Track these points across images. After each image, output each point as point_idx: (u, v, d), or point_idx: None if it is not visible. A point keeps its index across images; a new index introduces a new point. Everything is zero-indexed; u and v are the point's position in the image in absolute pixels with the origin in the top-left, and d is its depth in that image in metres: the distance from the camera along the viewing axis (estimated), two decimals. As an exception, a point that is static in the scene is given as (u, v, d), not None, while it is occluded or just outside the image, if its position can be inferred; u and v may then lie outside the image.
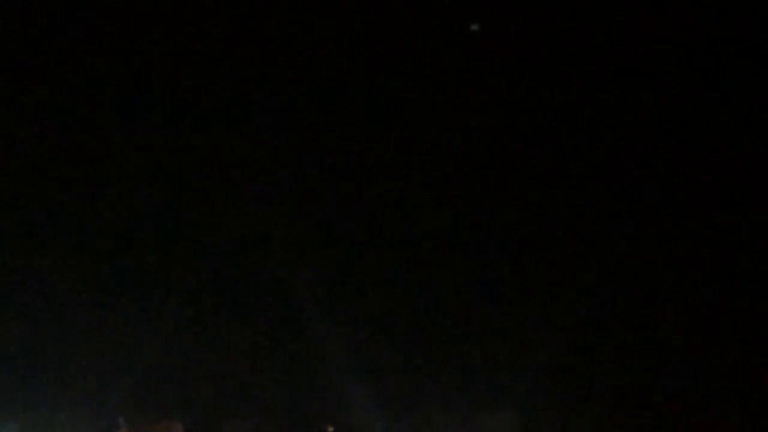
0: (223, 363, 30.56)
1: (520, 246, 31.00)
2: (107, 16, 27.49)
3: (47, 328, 29.22)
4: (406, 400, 31.01)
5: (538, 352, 30.49)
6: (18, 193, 29.30)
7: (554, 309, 30.61)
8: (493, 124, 30.00)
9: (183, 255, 30.41)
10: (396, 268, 30.95)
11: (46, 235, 29.40)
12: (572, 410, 30.22)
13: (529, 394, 30.56)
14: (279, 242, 30.57)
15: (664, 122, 29.87)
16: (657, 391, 29.90)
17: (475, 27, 30.06)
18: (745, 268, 29.58)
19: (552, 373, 30.36)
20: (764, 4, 27.70)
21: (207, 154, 29.12)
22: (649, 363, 30.07)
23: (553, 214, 30.34)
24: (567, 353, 30.32)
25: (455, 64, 29.57)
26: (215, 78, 28.71)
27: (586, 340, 30.25)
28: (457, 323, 31.15)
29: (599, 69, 29.37)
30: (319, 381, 31.29)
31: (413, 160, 30.02)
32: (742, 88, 29.02)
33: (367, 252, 31.13)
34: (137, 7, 27.40)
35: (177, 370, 30.06)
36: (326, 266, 31.01)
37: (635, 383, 30.08)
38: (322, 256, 30.84)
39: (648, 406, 29.85)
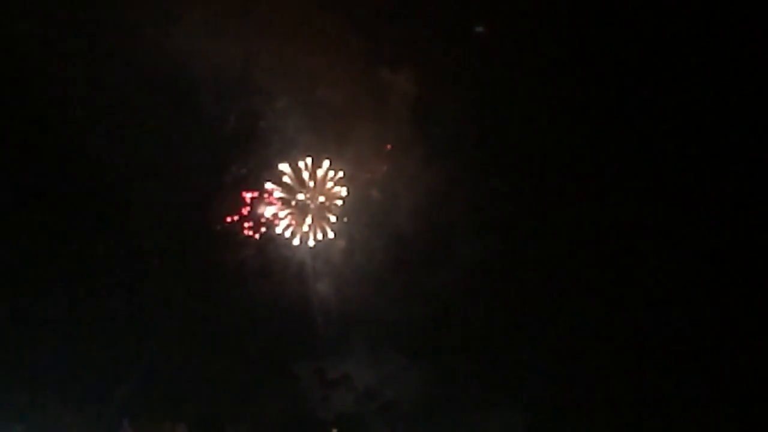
0: (226, 366, 30.65)
1: (523, 250, 31.08)
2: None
3: (53, 331, 29.35)
4: (411, 401, 31.17)
5: (542, 354, 30.61)
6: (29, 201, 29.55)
7: (558, 311, 30.72)
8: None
9: (187, 261, 30.59)
10: (399, 272, 31.05)
11: (53, 242, 29.58)
12: (576, 411, 30.35)
13: (533, 395, 30.75)
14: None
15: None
16: (660, 393, 29.96)
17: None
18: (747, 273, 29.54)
19: (557, 374, 30.50)
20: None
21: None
22: (652, 365, 30.12)
23: (553, 220, 30.39)
24: (571, 355, 30.40)
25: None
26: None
27: (591, 342, 30.29)
28: (461, 326, 31.29)
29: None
30: (322, 383, 31.49)
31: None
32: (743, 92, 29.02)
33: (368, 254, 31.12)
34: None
35: (181, 372, 30.15)
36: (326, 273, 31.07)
37: (638, 385, 30.13)
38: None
39: (651, 407, 29.93)
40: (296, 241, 30.42)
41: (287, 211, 30.68)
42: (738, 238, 29.63)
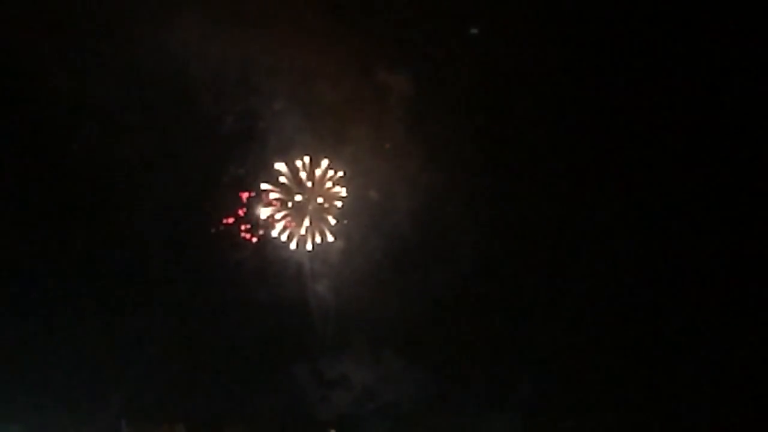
0: (225, 367, 30.65)
1: (520, 251, 31.05)
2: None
3: (51, 333, 29.32)
4: (410, 402, 31.20)
5: (540, 356, 30.61)
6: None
7: (557, 313, 30.71)
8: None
9: (184, 261, 30.51)
10: (398, 273, 31.00)
11: (49, 243, 29.55)
12: (575, 412, 30.38)
13: (531, 397, 30.77)
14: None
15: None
16: (658, 394, 29.98)
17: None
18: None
19: (554, 376, 30.51)
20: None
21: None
22: (653, 366, 30.13)
23: (551, 220, 30.36)
24: (569, 356, 30.40)
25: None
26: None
27: (588, 344, 30.29)
28: (460, 327, 31.27)
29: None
30: (320, 383, 31.50)
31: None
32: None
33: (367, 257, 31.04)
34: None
35: (179, 373, 30.14)
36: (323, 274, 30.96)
37: (638, 386, 30.15)
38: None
39: (649, 408, 29.96)
40: (293, 245, 30.18)
41: (284, 212, 30.36)
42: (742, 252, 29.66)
